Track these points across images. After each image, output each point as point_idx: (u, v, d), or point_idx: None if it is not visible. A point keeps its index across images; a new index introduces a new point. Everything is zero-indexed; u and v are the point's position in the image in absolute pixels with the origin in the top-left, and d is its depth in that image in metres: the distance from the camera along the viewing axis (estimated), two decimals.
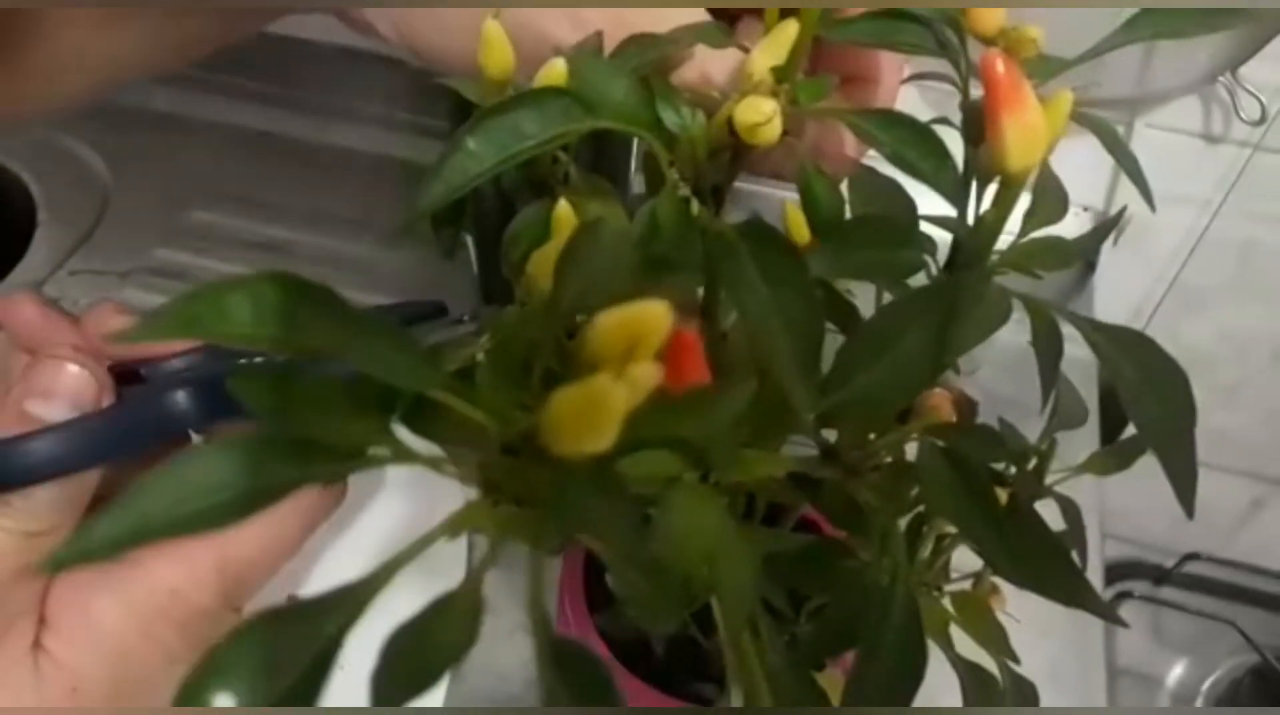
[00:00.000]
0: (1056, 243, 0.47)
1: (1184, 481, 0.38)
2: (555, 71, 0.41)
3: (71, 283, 0.98)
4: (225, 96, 1.15)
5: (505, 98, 0.38)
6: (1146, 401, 0.39)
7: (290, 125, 1.14)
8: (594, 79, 0.39)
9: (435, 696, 0.68)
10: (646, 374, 0.24)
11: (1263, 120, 0.96)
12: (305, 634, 0.23)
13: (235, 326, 0.25)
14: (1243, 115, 0.96)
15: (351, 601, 0.24)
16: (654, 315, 0.25)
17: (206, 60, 0.54)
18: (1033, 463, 0.49)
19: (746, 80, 0.41)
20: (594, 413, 0.24)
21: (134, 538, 0.22)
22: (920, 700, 0.37)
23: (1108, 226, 0.48)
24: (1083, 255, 0.47)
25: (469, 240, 0.80)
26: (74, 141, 1.11)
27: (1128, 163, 0.46)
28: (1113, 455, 0.53)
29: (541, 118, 0.37)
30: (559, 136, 0.37)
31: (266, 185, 1.09)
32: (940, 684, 0.43)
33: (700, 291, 0.44)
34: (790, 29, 0.40)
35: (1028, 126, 0.39)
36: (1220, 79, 0.95)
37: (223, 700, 0.21)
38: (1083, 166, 0.72)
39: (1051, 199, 0.47)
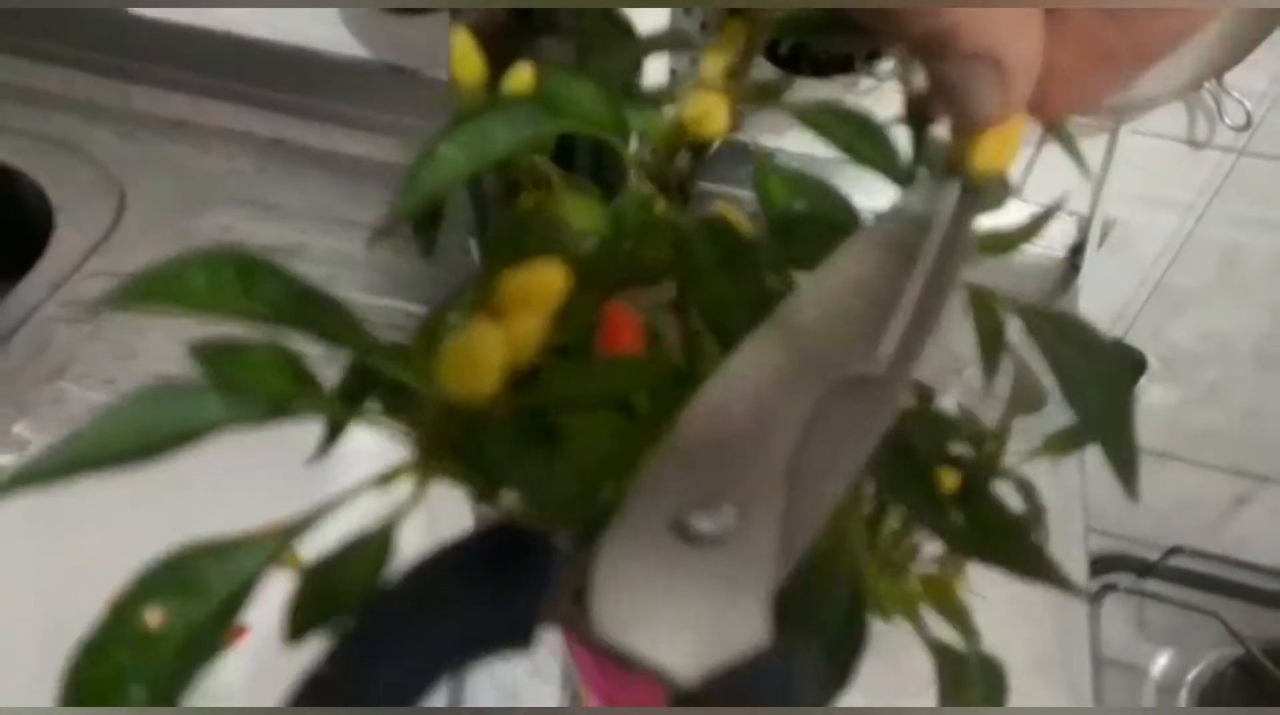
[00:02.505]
0: (996, 233, 0.48)
1: (1124, 464, 0.38)
2: (523, 78, 0.42)
3: (90, 284, 1.00)
4: (237, 104, 1.17)
5: (476, 105, 0.39)
6: (1083, 386, 0.39)
7: (301, 132, 1.16)
8: (560, 85, 0.40)
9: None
10: (527, 325, 0.27)
11: (1248, 126, 0.97)
12: (231, 565, 0.25)
13: (194, 297, 0.27)
14: (1228, 121, 0.97)
15: (276, 541, 0.26)
16: (548, 273, 0.26)
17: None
18: (992, 445, 0.50)
19: (700, 79, 0.42)
20: (473, 358, 0.26)
21: (74, 467, 0.24)
22: (900, 685, 0.38)
23: (1044, 217, 0.49)
24: (1024, 241, 0.48)
25: (472, 244, 0.82)
26: (89, 147, 1.13)
27: (1069, 146, 0.46)
28: (1068, 437, 0.54)
29: (510, 124, 0.38)
30: (528, 141, 0.38)
31: (278, 190, 1.11)
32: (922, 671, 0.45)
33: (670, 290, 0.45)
34: (739, 28, 0.42)
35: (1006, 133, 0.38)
36: (1206, 86, 0.96)
37: (151, 613, 0.23)
38: (1065, 172, 0.73)
39: (994, 189, 0.48)
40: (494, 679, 0.79)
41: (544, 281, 0.26)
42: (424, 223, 0.50)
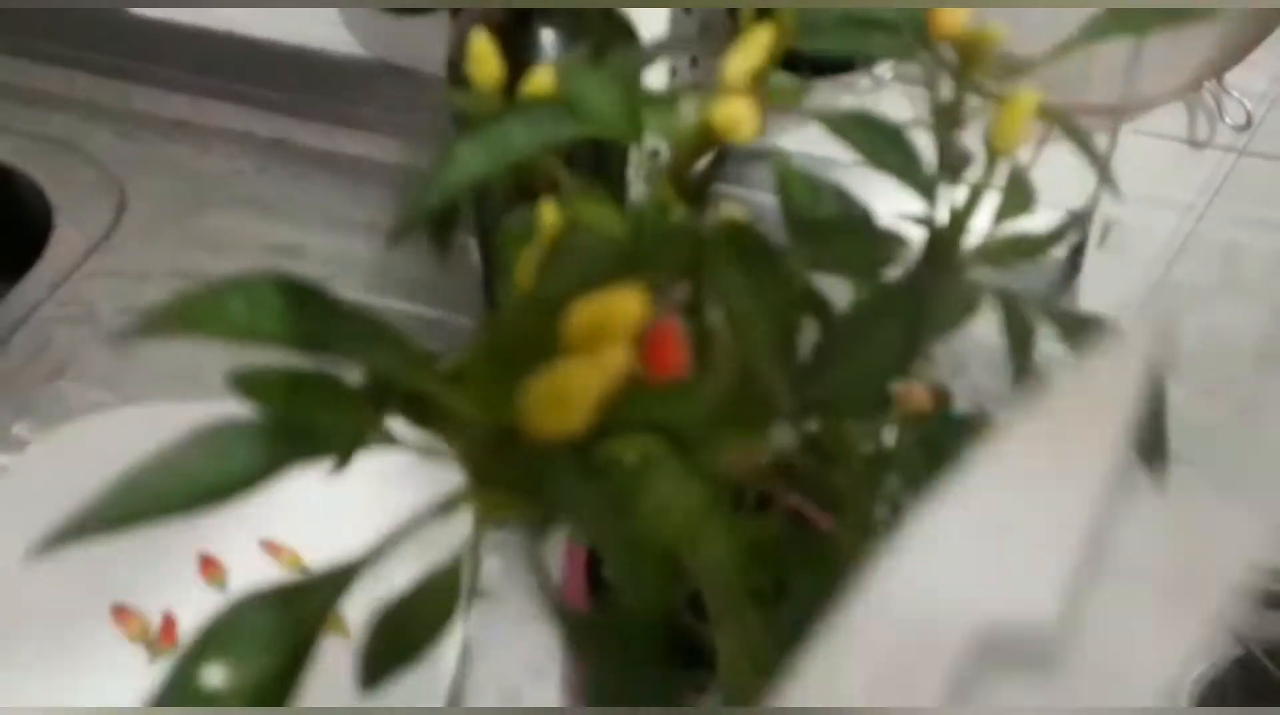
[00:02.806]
0: (1023, 236, 0.47)
1: (1155, 465, 0.38)
2: (543, 81, 0.42)
3: (89, 285, 1.00)
4: (238, 104, 1.16)
5: (497, 108, 0.39)
6: None
7: (301, 132, 1.16)
8: (581, 87, 0.40)
9: (439, 689, 0.70)
10: (617, 358, 0.25)
11: (1248, 125, 0.97)
12: (297, 609, 0.24)
13: (232, 326, 0.25)
14: (1228, 121, 0.97)
15: (341, 579, 0.25)
16: (626, 302, 0.26)
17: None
18: None
19: (724, 82, 0.42)
20: (566, 396, 0.25)
21: (132, 518, 0.22)
22: None
23: (1071, 224, 0.49)
24: (1049, 247, 0.48)
25: (473, 245, 0.81)
26: (89, 147, 1.13)
27: (1091, 154, 0.46)
28: None
29: (530, 126, 0.38)
30: (547, 143, 0.38)
31: (279, 190, 1.11)
32: None
33: (686, 290, 0.45)
34: (766, 33, 0.41)
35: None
36: (1206, 85, 0.96)
37: (214, 672, 0.22)
38: (1068, 172, 0.73)
39: (1020, 194, 0.48)
40: (494, 680, 0.79)
41: (621, 309, 0.26)
42: (440, 226, 0.50)
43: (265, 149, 1.15)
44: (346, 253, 1.04)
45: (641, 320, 0.26)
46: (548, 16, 0.66)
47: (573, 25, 0.65)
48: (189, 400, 0.85)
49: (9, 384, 0.91)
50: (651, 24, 0.68)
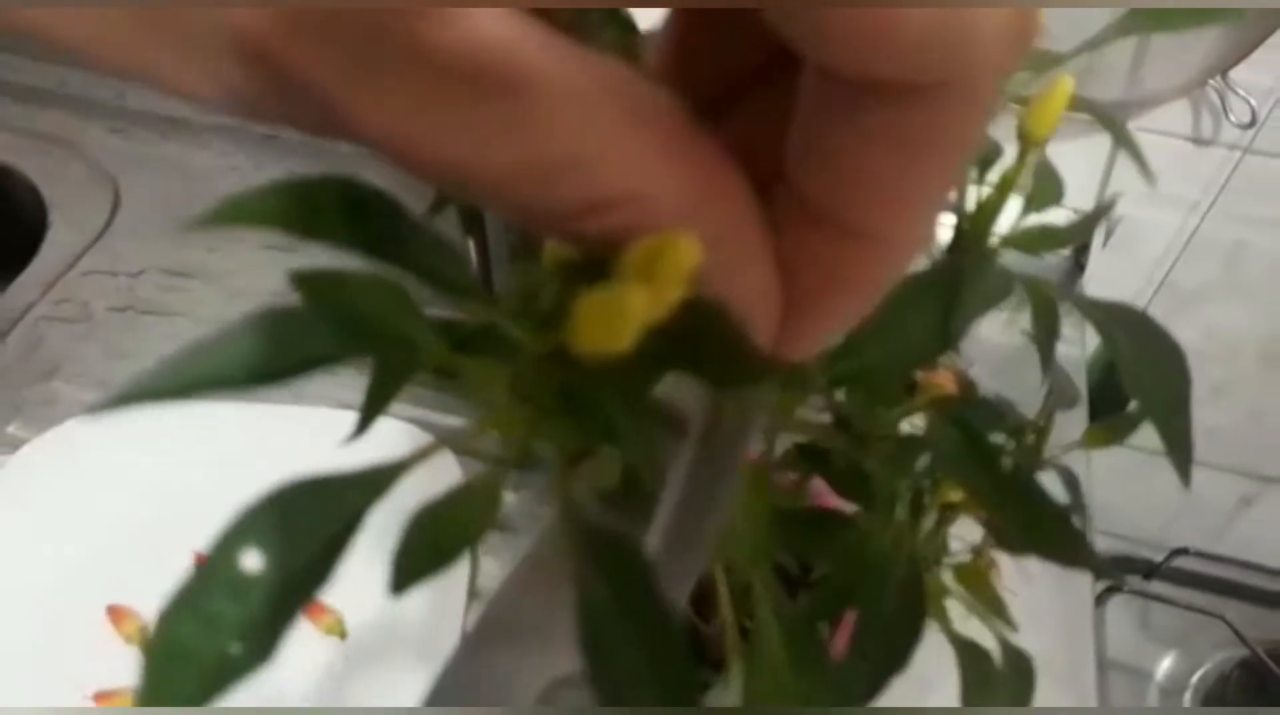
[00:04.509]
0: (1051, 228, 0.48)
1: (1181, 451, 0.38)
2: None
3: (84, 283, 0.99)
4: None
5: None
6: (1143, 373, 0.40)
7: None
8: None
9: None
10: (673, 289, 0.25)
11: (1253, 123, 0.97)
12: (332, 504, 0.24)
13: (289, 221, 0.24)
14: (1233, 118, 0.97)
15: (379, 479, 0.24)
16: (682, 242, 0.25)
17: None
18: (1031, 437, 0.50)
19: None
20: (614, 314, 0.24)
21: (185, 390, 0.21)
22: (918, 683, 0.37)
23: (1098, 214, 0.49)
24: (1075, 240, 0.48)
25: (470, 245, 0.80)
26: (83, 144, 1.12)
27: (1127, 144, 0.46)
28: (1107, 429, 0.54)
29: None
30: None
31: None
32: (938, 669, 0.44)
33: None
34: None
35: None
36: (1211, 83, 0.96)
37: (250, 558, 0.22)
38: (1075, 169, 0.73)
39: (1049, 184, 0.48)
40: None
41: (677, 248, 0.25)
42: (471, 211, 0.49)
43: (260, 144, 1.14)
44: None
45: (693, 267, 0.26)
46: None
47: (567, 17, 0.65)
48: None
49: (2, 384, 0.90)
50: (648, 12, 0.68)
